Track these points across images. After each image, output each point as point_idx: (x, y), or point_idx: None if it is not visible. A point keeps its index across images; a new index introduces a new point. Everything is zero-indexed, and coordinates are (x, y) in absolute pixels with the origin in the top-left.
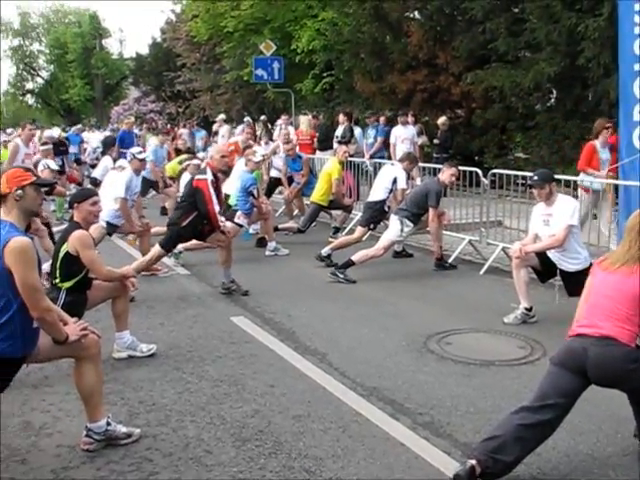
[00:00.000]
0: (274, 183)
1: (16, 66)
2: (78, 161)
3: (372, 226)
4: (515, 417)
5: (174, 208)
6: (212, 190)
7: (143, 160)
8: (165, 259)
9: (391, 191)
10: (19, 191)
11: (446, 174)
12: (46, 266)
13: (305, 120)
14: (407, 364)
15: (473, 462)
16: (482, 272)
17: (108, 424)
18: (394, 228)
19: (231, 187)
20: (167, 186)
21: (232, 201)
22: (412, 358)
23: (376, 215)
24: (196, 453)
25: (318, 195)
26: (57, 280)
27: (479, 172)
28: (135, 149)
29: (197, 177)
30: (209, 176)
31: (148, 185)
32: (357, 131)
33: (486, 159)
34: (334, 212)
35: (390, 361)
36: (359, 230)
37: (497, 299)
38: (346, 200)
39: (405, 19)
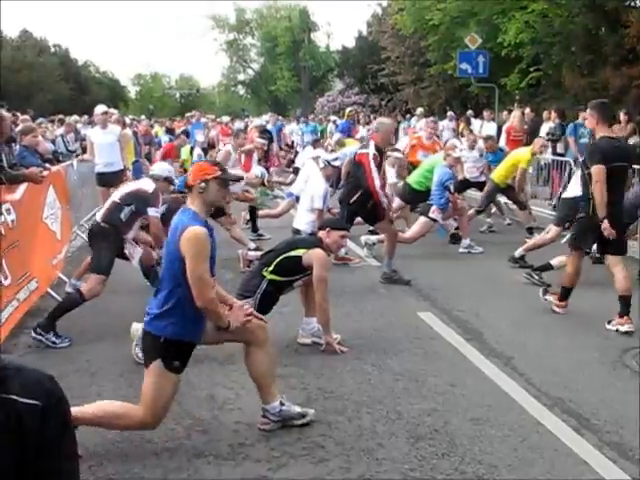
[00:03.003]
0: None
1: (230, 59)
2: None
3: (567, 225)
4: None
5: (342, 185)
6: (373, 165)
7: (337, 167)
8: (358, 250)
9: None
10: (202, 184)
11: None
12: (253, 253)
13: (517, 115)
14: (598, 377)
15: None
16: None
17: (282, 404)
18: None
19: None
20: None
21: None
22: (604, 371)
23: (571, 213)
24: (368, 445)
25: (498, 174)
26: (269, 269)
27: None
28: (330, 156)
29: (359, 151)
30: (371, 150)
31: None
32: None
33: None
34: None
35: (579, 372)
36: (553, 229)
37: None
38: (522, 196)
39: (624, 8)
